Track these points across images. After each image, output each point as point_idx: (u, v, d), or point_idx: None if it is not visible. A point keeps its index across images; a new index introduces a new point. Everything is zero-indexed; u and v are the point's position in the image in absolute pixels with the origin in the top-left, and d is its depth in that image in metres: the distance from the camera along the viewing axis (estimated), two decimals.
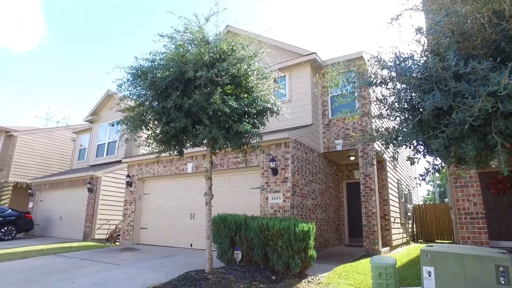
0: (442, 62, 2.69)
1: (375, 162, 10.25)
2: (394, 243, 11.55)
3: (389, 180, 11.98)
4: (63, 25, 62.57)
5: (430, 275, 4.37)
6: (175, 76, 4.85)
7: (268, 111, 5.75)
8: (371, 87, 4.23)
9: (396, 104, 3.50)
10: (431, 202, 40.42)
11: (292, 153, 8.97)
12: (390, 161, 5.00)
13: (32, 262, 8.03)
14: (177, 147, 5.68)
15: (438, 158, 3.45)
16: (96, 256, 9.10)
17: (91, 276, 6.47)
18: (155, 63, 5.23)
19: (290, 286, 5.44)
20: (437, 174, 5.62)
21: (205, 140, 5.47)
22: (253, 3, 70.03)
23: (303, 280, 5.79)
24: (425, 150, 3.60)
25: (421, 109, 2.98)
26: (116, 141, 16.90)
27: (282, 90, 6.11)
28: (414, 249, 12.14)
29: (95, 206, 14.14)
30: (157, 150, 5.75)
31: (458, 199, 6.75)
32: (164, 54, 5.38)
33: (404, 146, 3.93)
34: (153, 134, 5.62)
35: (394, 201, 12.62)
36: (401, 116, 3.73)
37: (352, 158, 11.68)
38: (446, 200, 17.99)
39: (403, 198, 15.02)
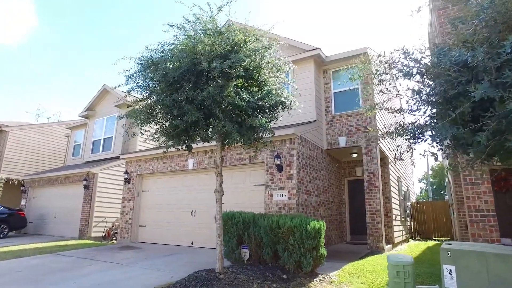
0: (491, 49, 2.55)
1: (379, 159, 10.16)
2: (396, 240, 11.52)
3: (390, 177, 11.93)
4: (55, 17, 61.44)
5: (451, 274, 4.26)
6: (187, 67, 4.64)
7: (280, 106, 5.58)
8: (408, 78, 4.02)
9: (432, 98, 3.34)
10: (423, 200, 40.83)
11: (298, 150, 8.82)
12: (396, 159, 4.85)
13: (30, 261, 7.75)
14: (186, 142, 5.47)
15: (470, 153, 3.32)
16: (95, 254, 8.85)
17: (94, 276, 6.24)
18: (165, 54, 5.01)
19: (303, 286, 5.30)
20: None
21: (216, 135, 5.28)
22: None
23: (315, 279, 5.66)
24: (454, 145, 3.47)
25: (457, 102, 2.84)
26: (112, 136, 16.60)
27: (295, 84, 5.93)
28: (415, 246, 12.13)
29: (92, 203, 13.83)
30: (165, 145, 5.51)
31: (468, 197, 6.66)
32: (173, 46, 5.16)
33: (430, 141, 3.79)
34: (161, 128, 5.40)
35: (395, 198, 12.59)
36: (432, 110, 3.58)
37: (355, 155, 11.59)
38: (446, 197, 18.07)
39: (403, 195, 15.02)
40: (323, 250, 5.91)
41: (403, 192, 15.23)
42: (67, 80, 73.71)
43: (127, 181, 12.53)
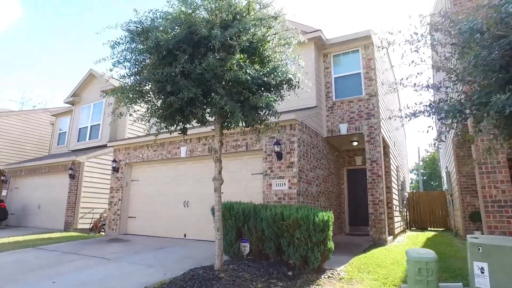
0: None
1: (381, 147, 9.70)
2: (395, 231, 11.16)
3: (391, 167, 11.51)
4: (38, 7, 59.08)
5: (483, 272, 3.79)
6: (183, 36, 4.00)
7: (287, 84, 4.98)
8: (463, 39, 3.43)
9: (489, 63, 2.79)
10: (414, 190, 40.94)
11: (298, 136, 8.27)
12: (437, 140, 4.24)
13: (8, 257, 7.09)
14: (181, 123, 4.84)
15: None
16: (80, 248, 8.22)
17: (77, 274, 5.63)
18: (157, 22, 4.35)
19: (310, 283, 4.80)
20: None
21: (215, 115, 4.67)
22: None
23: (322, 276, 5.17)
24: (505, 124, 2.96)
25: None
26: (99, 124, 15.79)
27: (302, 60, 5.33)
28: (414, 237, 11.81)
29: (78, 193, 13.11)
30: (155, 128, 4.87)
31: (484, 186, 6.23)
32: (166, 14, 4.49)
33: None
34: (153, 108, 4.75)
35: (395, 188, 12.21)
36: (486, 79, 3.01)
37: (355, 143, 11.10)
38: (443, 188, 17.80)
39: (400, 186, 14.69)
40: (331, 244, 5.42)
41: (400, 182, 14.91)
42: (52, 68, 71.43)
43: (115, 170, 11.84)
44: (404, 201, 15.77)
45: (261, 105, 4.41)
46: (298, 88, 5.16)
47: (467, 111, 3.17)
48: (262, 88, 4.63)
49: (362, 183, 11.21)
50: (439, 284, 4.34)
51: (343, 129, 10.01)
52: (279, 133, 7.82)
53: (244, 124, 4.84)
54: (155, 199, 10.93)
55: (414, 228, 17.04)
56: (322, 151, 10.05)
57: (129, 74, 4.61)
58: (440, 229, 16.62)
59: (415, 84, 4.03)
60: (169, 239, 9.78)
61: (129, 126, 15.71)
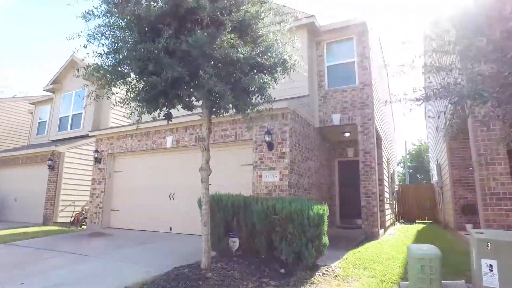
0: None
1: (375, 139, 9.43)
2: (386, 224, 11.00)
3: (383, 159, 11.31)
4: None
5: (491, 270, 3.51)
6: (168, 8, 3.54)
7: (281, 67, 4.58)
8: None
9: None
10: (401, 183, 41.31)
11: (291, 126, 7.90)
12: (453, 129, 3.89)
13: None
14: (165, 108, 4.39)
15: None
16: (58, 244, 7.72)
17: (51, 273, 5.15)
18: None
19: (305, 281, 4.47)
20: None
21: (203, 99, 4.23)
22: None
23: (317, 273, 4.85)
24: None
25: None
26: (82, 113, 15.10)
27: (297, 42, 4.92)
28: (405, 229, 11.68)
29: (57, 185, 12.49)
30: (137, 113, 4.41)
31: (482, 178, 6.01)
32: None
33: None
34: (134, 91, 4.28)
35: (386, 181, 12.04)
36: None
37: (347, 134, 10.81)
38: (433, 181, 17.75)
39: (391, 178, 14.57)
40: (325, 239, 5.10)
41: (391, 175, 14.79)
42: (33, 55, 69.04)
43: (97, 160, 11.27)
44: (394, 194, 15.70)
45: (253, 88, 4.00)
46: (293, 71, 4.75)
47: (486, 94, 2.86)
48: (255, 70, 4.22)
49: (353, 175, 10.96)
50: (443, 281, 4.07)
51: (336, 119, 9.69)
52: (271, 119, 7.41)
53: (234, 109, 4.42)
54: (139, 191, 10.44)
55: (403, 221, 17.02)
56: (314, 142, 9.72)
57: (106, 52, 4.12)
58: (428, 221, 16.66)
59: (425, 64, 3.69)
60: (154, 233, 9.36)
61: (113, 115, 15.10)
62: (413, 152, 48.18)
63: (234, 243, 5.61)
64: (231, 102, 3.82)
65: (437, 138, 13.39)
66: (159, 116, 4.56)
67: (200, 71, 3.63)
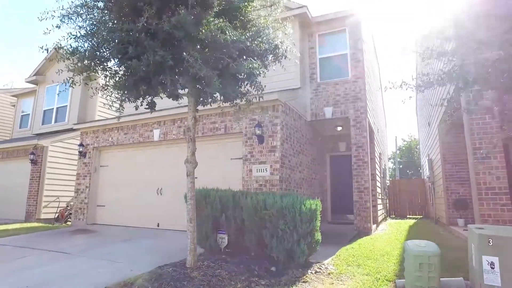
0: None
1: (368, 132, 9.24)
2: (378, 219, 10.88)
3: (375, 153, 11.16)
4: None
5: (493, 268, 3.32)
6: None
7: (272, 54, 4.30)
8: None
9: None
10: (391, 179, 41.53)
11: (282, 118, 7.65)
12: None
13: None
14: (148, 96, 4.08)
15: None
16: (38, 241, 7.36)
17: (25, 273, 4.82)
18: None
19: (297, 280, 4.24)
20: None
21: (188, 86, 3.94)
22: None
23: (309, 271, 4.63)
24: None
25: None
26: (67, 105, 14.60)
27: (290, 27, 4.65)
28: (396, 225, 11.59)
29: (41, 180, 12.04)
30: (118, 102, 4.09)
31: (478, 172, 5.85)
32: None
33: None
34: (114, 78, 3.95)
35: (378, 175, 11.91)
36: None
37: (339, 128, 10.61)
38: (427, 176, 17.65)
39: (382, 173, 14.48)
40: (318, 235, 4.88)
41: (382, 170, 14.69)
42: (15, 47, 67.27)
43: (82, 154, 10.88)
44: (386, 189, 15.63)
45: (242, 75, 3.72)
46: (285, 58, 4.48)
47: (493, 79, 2.65)
48: (244, 56, 3.93)
49: (345, 170, 10.81)
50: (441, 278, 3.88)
51: (328, 112, 9.47)
52: (262, 111, 7.15)
53: (222, 98, 4.14)
54: (126, 186, 10.10)
55: (394, 216, 17.01)
56: (305, 136, 9.49)
57: (83, 35, 3.78)
58: (419, 216, 16.66)
59: (427, 48, 3.47)
60: (140, 229, 9.06)
61: (99, 108, 14.63)
62: (403, 148, 48.51)
63: (223, 239, 5.36)
64: (218, 89, 3.53)
65: (429, 133, 13.31)
66: (141, 105, 4.24)
67: (184, 53, 3.32)
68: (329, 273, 4.60)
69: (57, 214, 12.21)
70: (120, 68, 3.86)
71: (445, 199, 9.87)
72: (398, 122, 64.43)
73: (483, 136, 5.83)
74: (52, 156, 12.50)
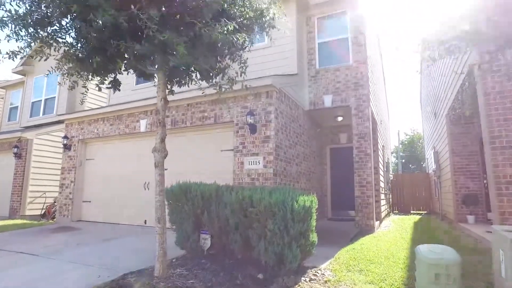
0: None
1: (371, 122, 8.54)
2: (382, 215, 10.22)
3: (378, 145, 10.46)
4: None
5: None
6: None
7: (257, 26, 3.61)
8: None
9: None
10: (393, 173, 40.77)
11: (276, 106, 6.97)
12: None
13: None
14: (108, 72, 3.41)
15: None
16: (11, 241, 6.76)
17: None
18: None
19: None
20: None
21: (151, 57, 3.25)
22: None
23: (303, 278, 3.98)
24: None
25: None
26: (55, 97, 13.95)
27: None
28: (400, 221, 10.93)
29: (25, 175, 11.43)
30: (73, 79, 3.42)
31: (497, 164, 5.16)
32: None
33: None
34: (63, 47, 3.27)
35: (381, 169, 11.23)
36: None
37: (340, 118, 9.90)
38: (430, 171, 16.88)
39: (385, 166, 13.78)
40: (314, 236, 4.22)
41: (385, 163, 14.00)
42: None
43: (66, 147, 10.24)
44: (389, 183, 14.96)
45: (220, 45, 3.04)
46: (273, 28, 3.79)
47: None
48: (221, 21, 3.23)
49: (346, 163, 10.12)
50: None
51: (328, 101, 8.77)
52: (254, 98, 6.47)
53: (198, 74, 3.46)
54: (112, 180, 9.48)
55: (397, 211, 16.38)
56: (303, 126, 8.81)
57: None
58: (423, 212, 16.02)
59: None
60: (126, 227, 8.46)
61: (89, 99, 13.96)
62: (406, 142, 47.78)
63: (206, 240, 4.71)
64: (186, 60, 2.85)
65: (435, 124, 12.59)
66: (102, 83, 3.58)
67: (137, 11, 2.64)
68: (325, 281, 3.95)
69: (43, 211, 11.63)
70: (68, 33, 3.17)
71: (453, 194, 9.18)
72: (401, 116, 63.54)
73: (503, 123, 5.13)
74: (37, 150, 11.88)
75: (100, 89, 3.77)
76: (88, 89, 4.02)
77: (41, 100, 14.34)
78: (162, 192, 3.58)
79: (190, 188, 4.76)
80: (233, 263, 4.19)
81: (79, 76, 3.35)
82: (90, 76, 3.39)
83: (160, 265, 3.45)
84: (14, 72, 14.92)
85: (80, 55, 3.06)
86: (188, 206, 4.70)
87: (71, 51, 3.13)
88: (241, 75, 3.62)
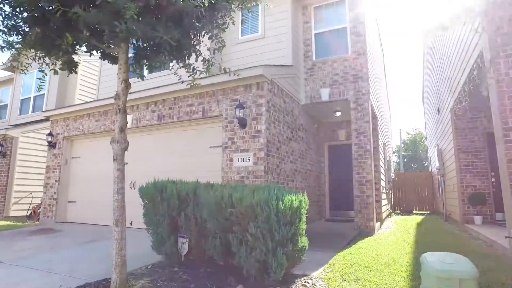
0: None
1: (371, 116, 8.00)
2: (382, 216, 9.67)
3: (379, 142, 9.90)
4: None
5: None
6: None
7: None
8: None
9: None
10: (395, 172, 40.13)
11: (267, 98, 6.44)
12: None
13: None
14: (58, 51, 2.88)
15: None
16: None
17: None
18: None
19: None
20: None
21: (113, 33, 2.72)
22: None
23: None
24: None
25: None
26: (45, 94, 13.50)
27: None
28: (402, 222, 10.37)
29: (10, 174, 10.95)
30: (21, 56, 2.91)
31: (511, 160, 4.62)
32: None
33: None
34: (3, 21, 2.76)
35: (383, 167, 10.67)
36: None
37: (338, 114, 9.37)
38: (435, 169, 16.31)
39: (387, 165, 13.22)
40: (303, 241, 3.69)
41: (387, 161, 13.44)
42: None
43: (51, 145, 9.76)
44: (390, 183, 14.39)
45: (188, 16, 2.50)
46: (256, 3, 3.25)
47: None
48: None
49: (345, 161, 9.59)
50: None
51: (325, 94, 8.23)
52: (245, 90, 5.95)
53: (169, 56, 2.93)
54: (98, 179, 8.96)
55: (399, 211, 15.82)
56: (299, 121, 8.27)
57: None
58: (426, 212, 15.46)
59: None
60: (110, 229, 7.92)
61: (79, 96, 13.51)
62: (408, 142, 47.22)
63: (183, 245, 4.19)
64: (132, 23, 2.29)
65: (439, 121, 12.03)
66: (54, 64, 3.05)
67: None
68: None
69: (29, 211, 11.14)
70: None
71: (459, 193, 8.62)
72: (403, 115, 62.86)
73: None
74: (23, 148, 11.41)
75: (56, 72, 3.25)
76: (46, 74, 3.51)
77: (30, 97, 13.88)
78: (121, 190, 3.06)
79: (166, 186, 4.24)
80: (211, 271, 3.68)
81: (23, 55, 2.84)
82: (37, 55, 2.87)
83: (117, 276, 2.93)
84: (3, 69, 14.45)
85: (15, 24, 2.54)
86: (163, 207, 4.19)
87: (10, 23, 2.60)
88: (214, 53, 3.07)
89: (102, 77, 10.69)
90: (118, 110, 3.04)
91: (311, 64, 8.63)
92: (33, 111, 13.64)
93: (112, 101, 8.62)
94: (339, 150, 10.25)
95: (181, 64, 3.29)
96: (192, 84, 3.50)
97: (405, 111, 57.94)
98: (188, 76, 3.46)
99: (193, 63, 3.30)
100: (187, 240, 4.12)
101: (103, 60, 3.37)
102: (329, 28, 8.82)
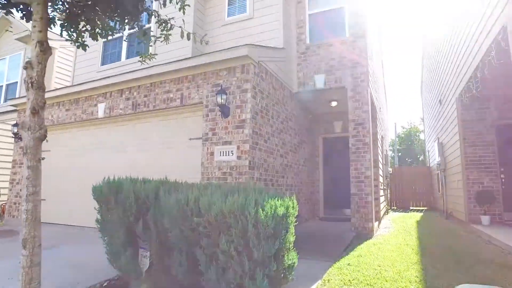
0: None
1: (369, 106, 7.22)
2: (380, 214, 8.95)
3: (377, 135, 9.15)
4: None
5: None
6: None
7: None
8: None
9: None
10: (391, 167, 39.62)
11: (254, 83, 5.60)
12: None
13: None
14: None
15: None
16: None
17: None
18: None
19: None
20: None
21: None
22: None
23: None
24: None
25: None
26: (17, 82, 12.52)
27: None
28: (401, 220, 9.67)
29: None
30: None
31: None
32: None
33: None
34: None
35: (381, 162, 9.94)
36: None
37: (334, 103, 8.57)
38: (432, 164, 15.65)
39: (384, 159, 12.51)
40: (292, 257, 2.89)
41: (384, 156, 12.73)
42: None
43: (18, 137, 8.83)
44: (387, 178, 13.70)
45: None
46: None
47: None
48: None
49: (342, 155, 8.83)
50: None
51: (320, 81, 7.41)
52: (228, 73, 5.10)
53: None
54: (69, 175, 8.12)
55: (395, 208, 15.17)
56: (290, 111, 7.47)
57: None
58: (423, 208, 14.85)
59: None
60: (83, 229, 7.18)
61: (55, 85, 12.51)
62: (403, 135, 46.80)
63: (144, 258, 3.38)
64: None
65: (440, 113, 11.31)
66: None
67: None
68: None
69: None
70: None
71: (464, 190, 7.91)
72: (398, 108, 62.24)
73: None
74: None
75: None
76: None
77: (2, 85, 12.87)
78: (33, 196, 2.18)
79: (121, 186, 3.41)
80: None
81: None
82: None
83: None
84: None
85: None
86: (119, 212, 3.35)
87: None
88: (180, 9, 2.22)
89: (77, 63, 9.74)
90: (30, 84, 2.18)
91: (304, 48, 7.79)
92: (5, 101, 12.63)
93: (84, 87, 7.81)
94: (335, 143, 9.48)
95: (127, 27, 2.45)
96: (144, 58, 2.65)
97: (400, 105, 57.28)
98: (138, 43, 2.62)
99: (144, 25, 2.48)
100: (148, 253, 3.31)
101: (7, 15, 2.50)
102: (325, 8, 7.97)
